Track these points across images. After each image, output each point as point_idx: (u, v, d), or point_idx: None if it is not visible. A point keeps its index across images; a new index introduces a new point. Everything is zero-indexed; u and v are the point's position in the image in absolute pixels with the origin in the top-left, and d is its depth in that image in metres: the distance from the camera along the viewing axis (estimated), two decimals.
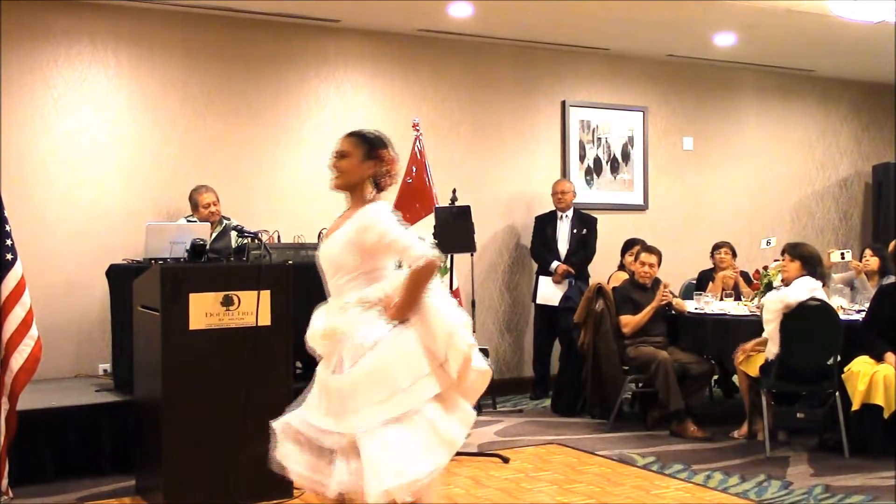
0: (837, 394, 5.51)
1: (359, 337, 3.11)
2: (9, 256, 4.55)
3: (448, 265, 6.45)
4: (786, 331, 5.47)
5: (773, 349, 5.52)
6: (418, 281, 3.15)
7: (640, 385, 6.51)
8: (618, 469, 5.25)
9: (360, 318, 3.14)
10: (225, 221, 6.16)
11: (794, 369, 5.57)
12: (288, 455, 3.19)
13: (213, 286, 4.34)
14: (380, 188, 3.32)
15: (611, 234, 7.68)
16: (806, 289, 5.57)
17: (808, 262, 5.73)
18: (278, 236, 6.11)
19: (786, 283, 5.80)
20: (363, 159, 3.29)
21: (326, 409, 3.14)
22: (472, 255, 6.78)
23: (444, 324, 3.17)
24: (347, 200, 3.34)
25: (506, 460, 5.39)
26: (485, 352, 7.72)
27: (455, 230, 5.77)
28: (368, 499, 3.00)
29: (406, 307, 3.16)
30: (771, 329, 5.54)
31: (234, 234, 6.02)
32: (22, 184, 6.10)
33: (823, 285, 5.78)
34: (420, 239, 3.18)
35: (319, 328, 3.22)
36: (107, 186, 6.42)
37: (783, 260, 5.89)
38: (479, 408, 6.78)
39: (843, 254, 7.02)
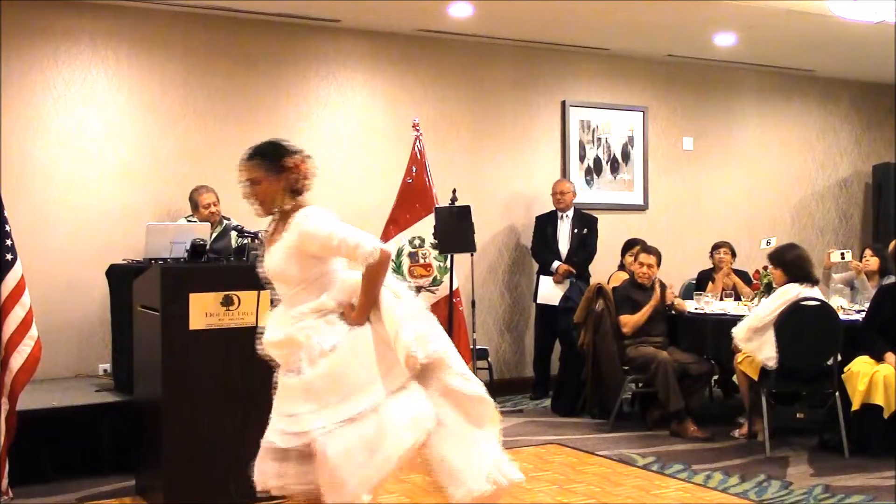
0: (837, 394, 5.51)
1: (316, 342, 3.10)
2: (9, 256, 4.56)
3: (448, 265, 6.46)
4: (785, 331, 5.46)
5: (770, 355, 5.50)
6: (376, 276, 3.14)
7: (640, 385, 6.51)
8: (618, 469, 5.25)
9: (316, 323, 3.13)
10: (225, 221, 6.16)
11: (794, 369, 5.57)
12: (266, 471, 3.15)
13: (213, 286, 4.34)
14: (299, 192, 3.24)
15: (611, 234, 7.68)
16: (781, 299, 5.54)
17: (789, 268, 5.73)
18: None
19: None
20: (272, 177, 3.22)
21: (285, 410, 3.13)
22: (472, 255, 6.78)
23: (390, 322, 3.15)
24: (265, 215, 3.31)
25: None
26: (484, 352, 7.76)
27: (455, 230, 5.78)
28: (333, 499, 3.02)
29: (368, 307, 3.15)
30: (764, 338, 5.53)
31: (234, 234, 6.02)
32: (22, 184, 6.10)
33: (816, 284, 5.75)
34: (366, 232, 3.17)
35: (274, 337, 3.19)
36: (107, 186, 6.42)
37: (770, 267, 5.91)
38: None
39: (843, 254, 7.02)
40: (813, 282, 5.71)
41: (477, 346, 6.86)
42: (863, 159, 9.73)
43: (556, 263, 7.37)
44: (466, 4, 6.66)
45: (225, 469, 4.21)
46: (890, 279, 6.46)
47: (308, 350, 3.10)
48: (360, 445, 3.03)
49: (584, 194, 8.07)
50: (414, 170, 6.53)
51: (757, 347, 5.53)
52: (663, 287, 6.45)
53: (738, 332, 5.65)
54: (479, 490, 3.12)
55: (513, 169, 7.91)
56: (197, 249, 4.67)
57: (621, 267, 7.23)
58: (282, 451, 3.10)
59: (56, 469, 5.00)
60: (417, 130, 6.71)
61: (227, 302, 4.34)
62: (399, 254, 6.37)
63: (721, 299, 6.75)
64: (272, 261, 3.21)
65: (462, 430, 3.17)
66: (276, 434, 3.13)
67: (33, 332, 4.59)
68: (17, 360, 4.51)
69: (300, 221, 3.16)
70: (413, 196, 6.49)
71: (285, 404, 3.15)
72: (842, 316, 5.75)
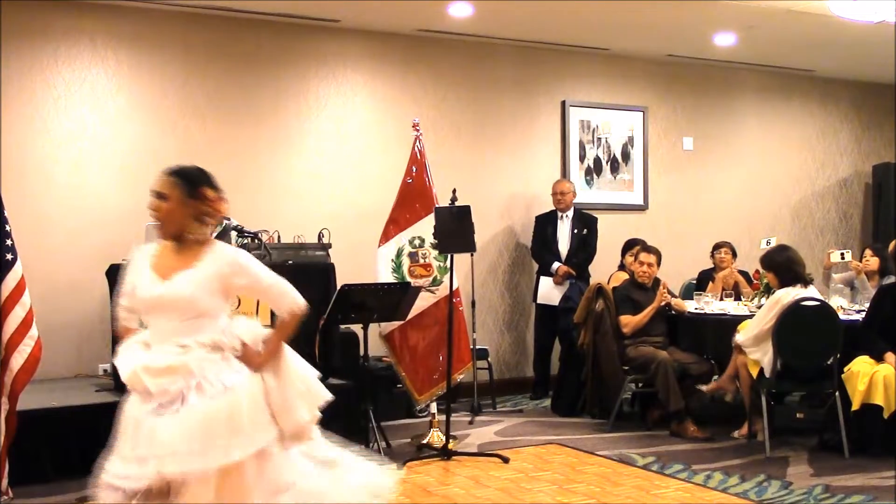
0: (837, 394, 5.51)
1: (213, 375, 2.97)
2: (9, 256, 4.56)
3: (448, 265, 6.45)
4: (785, 332, 5.46)
5: (769, 358, 5.51)
6: (292, 328, 3.15)
7: (640, 385, 6.51)
8: (618, 469, 5.25)
9: (212, 357, 3.01)
10: (225, 221, 6.14)
11: (794, 369, 5.57)
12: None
13: None
14: (204, 225, 3.13)
15: (611, 234, 7.68)
16: (777, 306, 5.54)
17: (779, 271, 5.73)
18: (278, 236, 6.11)
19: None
20: (184, 199, 3.10)
21: (158, 448, 2.92)
22: (472, 255, 6.78)
23: (301, 374, 3.18)
24: (165, 238, 3.14)
25: (506, 460, 5.40)
26: (484, 352, 7.74)
27: (455, 230, 5.76)
28: None
29: (274, 354, 3.12)
30: (765, 346, 5.54)
31: (234, 234, 6.01)
32: (22, 184, 6.10)
33: (810, 284, 5.75)
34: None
35: (158, 363, 2.97)
36: (107, 186, 6.42)
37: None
38: (479, 408, 6.86)
39: (843, 254, 7.02)
40: (806, 282, 5.71)
41: (477, 346, 6.86)
42: (863, 159, 9.73)
43: (555, 265, 7.37)
44: (466, 4, 6.66)
45: None
46: (890, 279, 6.46)
47: (202, 382, 2.96)
48: (233, 495, 2.95)
49: (584, 194, 8.07)
50: (414, 170, 6.52)
51: (762, 356, 5.55)
52: (658, 282, 6.45)
53: (745, 342, 5.66)
54: None
55: (513, 169, 7.91)
56: None
57: (621, 267, 7.23)
58: (133, 492, 2.93)
59: (56, 469, 5.00)
60: (417, 130, 6.69)
61: None
62: (399, 254, 6.36)
63: (721, 299, 6.75)
64: (180, 288, 3.02)
65: (317, 483, 3.12)
66: (128, 479, 2.93)
67: (33, 332, 4.59)
68: (17, 360, 4.51)
69: (231, 253, 3.11)
70: (413, 196, 6.47)
71: (158, 441, 2.92)
72: (842, 316, 5.75)
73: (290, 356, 3.20)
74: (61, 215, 6.28)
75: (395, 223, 6.41)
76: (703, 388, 6.08)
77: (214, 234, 6.18)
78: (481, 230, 6.94)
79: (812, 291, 5.70)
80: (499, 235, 7.86)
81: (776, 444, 5.63)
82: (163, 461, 2.89)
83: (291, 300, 3.14)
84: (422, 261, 6.41)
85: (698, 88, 8.77)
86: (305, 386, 3.18)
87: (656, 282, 6.45)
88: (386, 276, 6.23)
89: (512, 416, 6.78)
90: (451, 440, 5.61)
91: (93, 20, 6.40)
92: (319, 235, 6.18)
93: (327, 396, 3.23)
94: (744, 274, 7.31)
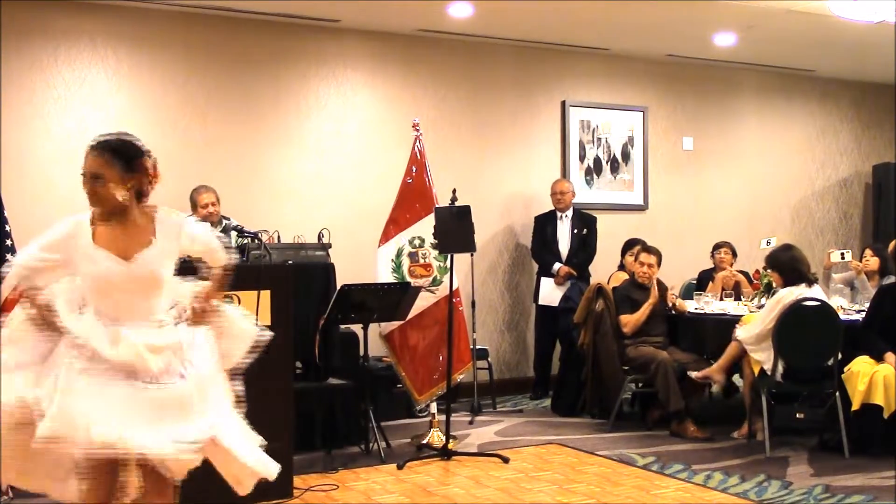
0: (837, 394, 5.51)
1: (191, 343, 3.05)
2: (9, 256, 4.55)
3: (448, 265, 6.45)
4: (786, 331, 5.46)
5: (770, 359, 5.52)
6: (227, 280, 3.25)
7: (640, 385, 6.51)
8: (618, 469, 5.25)
9: (179, 328, 3.06)
10: (225, 221, 6.15)
11: (795, 369, 5.57)
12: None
13: None
14: (144, 196, 3.08)
15: (611, 234, 7.68)
16: (779, 306, 5.54)
17: (784, 270, 5.74)
18: (278, 236, 6.10)
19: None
20: (122, 176, 2.99)
21: (183, 421, 2.92)
22: (472, 255, 6.78)
23: (234, 322, 3.29)
24: (105, 218, 3.03)
25: (506, 460, 5.40)
26: (484, 352, 7.72)
27: (455, 230, 5.76)
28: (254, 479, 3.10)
29: (216, 309, 3.21)
30: (767, 345, 5.54)
31: (234, 234, 6.01)
32: (22, 184, 6.10)
33: (815, 283, 5.76)
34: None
35: (157, 342, 2.94)
36: None
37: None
38: (479, 408, 6.86)
39: (843, 254, 7.02)
40: (810, 281, 5.71)
41: (477, 346, 6.86)
42: (863, 159, 9.73)
43: (556, 265, 7.37)
44: (466, 4, 6.66)
45: None
46: (890, 279, 6.46)
47: (188, 351, 3.01)
48: (243, 432, 3.11)
49: (584, 194, 8.07)
50: (414, 170, 6.52)
51: (766, 357, 5.55)
52: (664, 288, 6.46)
53: (747, 339, 5.66)
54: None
55: (513, 169, 7.91)
56: None
57: (621, 267, 7.22)
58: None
59: None
60: (417, 130, 6.70)
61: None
62: (399, 254, 6.36)
63: (721, 299, 6.75)
64: (146, 267, 2.98)
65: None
66: (186, 448, 2.91)
67: None
68: None
69: (182, 224, 3.11)
70: (413, 196, 6.47)
71: (181, 415, 2.92)
72: (842, 316, 5.75)
73: (223, 307, 3.30)
74: (61, 215, 6.23)
75: (395, 223, 6.41)
76: (694, 374, 6.08)
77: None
78: (481, 230, 6.94)
79: (816, 291, 5.70)
80: (499, 235, 7.86)
81: (776, 444, 5.63)
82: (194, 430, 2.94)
83: (226, 256, 3.24)
84: (422, 261, 6.41)
85: (698, 88, 8.77)
86: (239, 331, 3.28)
87: (660, 286, 6.44)
88: (386, 276, 6.23)
89: (512, 416, 6.78)
90: (451, 440, 5.61)
91: (93, 20, 6.40)
92: (319, 235, 6.18)
93: (256, 332, 3.29)
94: (744, 274, 7.31)
